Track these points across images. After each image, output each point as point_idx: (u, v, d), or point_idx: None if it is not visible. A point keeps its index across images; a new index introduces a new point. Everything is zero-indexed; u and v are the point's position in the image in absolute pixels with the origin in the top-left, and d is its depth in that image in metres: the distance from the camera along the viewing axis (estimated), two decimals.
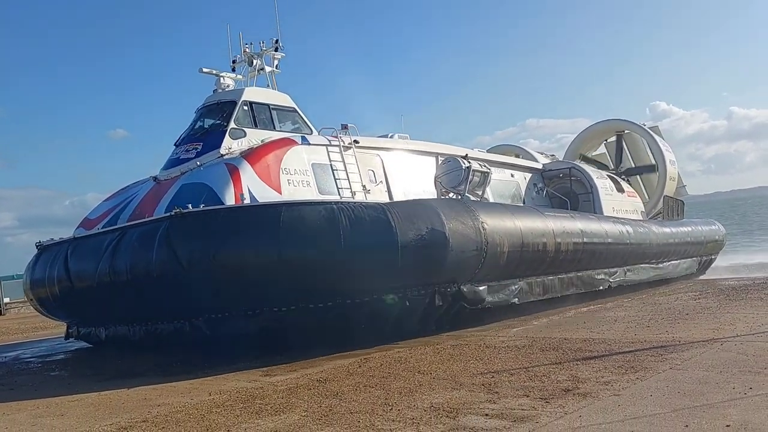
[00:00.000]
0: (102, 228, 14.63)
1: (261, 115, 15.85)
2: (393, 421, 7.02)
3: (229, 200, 12.93)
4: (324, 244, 11.57)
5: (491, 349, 11.09)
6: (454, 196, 16.17)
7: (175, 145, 15.92)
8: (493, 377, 8.83)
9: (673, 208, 25.94)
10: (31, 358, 15.69)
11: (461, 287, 13.60)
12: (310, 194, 14.15)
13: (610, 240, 18.80)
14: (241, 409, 8.17)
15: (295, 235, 11.45)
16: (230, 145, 14.88)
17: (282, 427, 7.13)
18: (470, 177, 16.56)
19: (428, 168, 17.70)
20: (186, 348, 12.94)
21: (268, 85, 17.82)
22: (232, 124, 15.23)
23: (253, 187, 13.39)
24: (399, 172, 16.97)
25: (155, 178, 15.32)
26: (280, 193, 13.76)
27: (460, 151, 18.62)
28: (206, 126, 15.71)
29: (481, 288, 14.05)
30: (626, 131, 26.70)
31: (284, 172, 14.15)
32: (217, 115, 15.71)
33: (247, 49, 17.95)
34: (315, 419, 7.35)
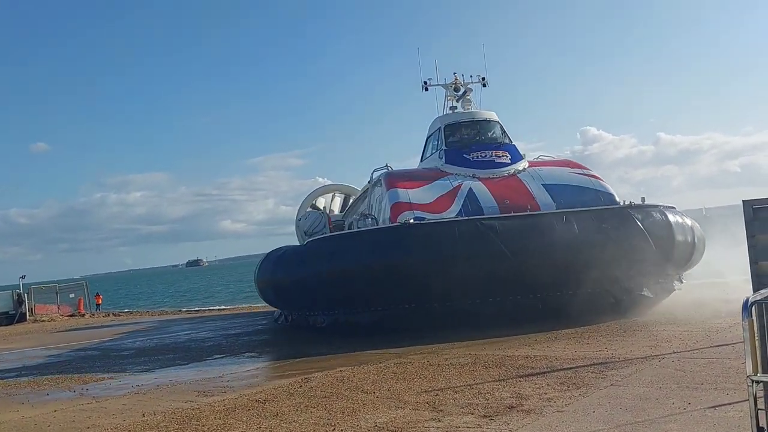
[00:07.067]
0: (457, 214, 16.55)
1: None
2: None
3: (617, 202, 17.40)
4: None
5: (435, 366, 11.00)
6: None
7: (461, 148, 18.90)
8: (437, 395, 8.72)
9: None
10: None
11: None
12: None
13: None
14: (177, 430, 7.81)
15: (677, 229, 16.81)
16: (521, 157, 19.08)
17: None
18: None
19: None
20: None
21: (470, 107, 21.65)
22: (507, 140, 19.39)
23: None
24: None
25: (473, 175, 17.99)
26: None
27: None
28: (481, 139, 19.29)
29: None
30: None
31: None
32: (486, 130, 19.65)
33: (457, 78, 22.04)
34: None
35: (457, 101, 21.79)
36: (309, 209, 30.04)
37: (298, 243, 30.73)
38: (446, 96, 22.09)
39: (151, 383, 11.86)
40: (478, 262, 15.09)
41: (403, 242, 15.48)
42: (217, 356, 15.48)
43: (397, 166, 20.22)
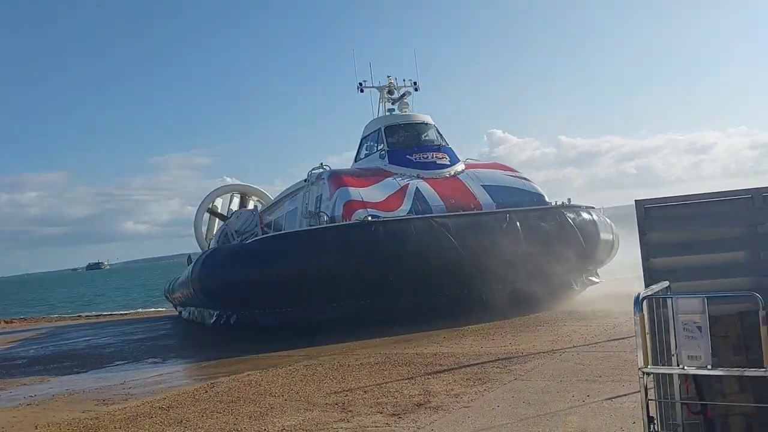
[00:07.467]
0: (408, 212, 17.00)
1: None
2: None
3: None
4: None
5: (345, 367, 10.98)
6: None
7: (402, 149, 19.32)
8: (346, 395, 8.70)
9: None
10: None
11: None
12: None
13: None
14: None
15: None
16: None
17: None
18: None
19: None
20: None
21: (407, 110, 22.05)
22: (444, 142, 20.02)
23: None
24: None
25: (418, 175, 18.47)
26: None
27: None
28: (421, 141, 19.85)
29: None
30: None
31: None
32: (425, 133, 20.20)
33: (392, 81, 22.33)
34: None
35: (394, 104, 22.18)
36: (237, 210, 29.34)
37: (199, 245, 30.19)
38: (381, 98, 22.46)
39: (45, 393, 11.25)
40: (437, 258, 15.79)
41: (371, 238, 15.76)
42: (118, 362, 14.89)
43: (309, 166, 20.07)
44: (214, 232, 28.85)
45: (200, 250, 30.36)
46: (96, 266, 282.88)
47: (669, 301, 4.16)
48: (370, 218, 16.28)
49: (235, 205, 31.12)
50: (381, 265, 15.58)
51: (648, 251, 5.01)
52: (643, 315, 4.04)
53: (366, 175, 18.70)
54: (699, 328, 3.99)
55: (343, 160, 23.26)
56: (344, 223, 16.72)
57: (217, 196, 30.99)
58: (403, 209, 17.17)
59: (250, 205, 30.29)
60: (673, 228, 4.98)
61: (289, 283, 15.69)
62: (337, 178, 18.57)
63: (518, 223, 16.88)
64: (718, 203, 4.86)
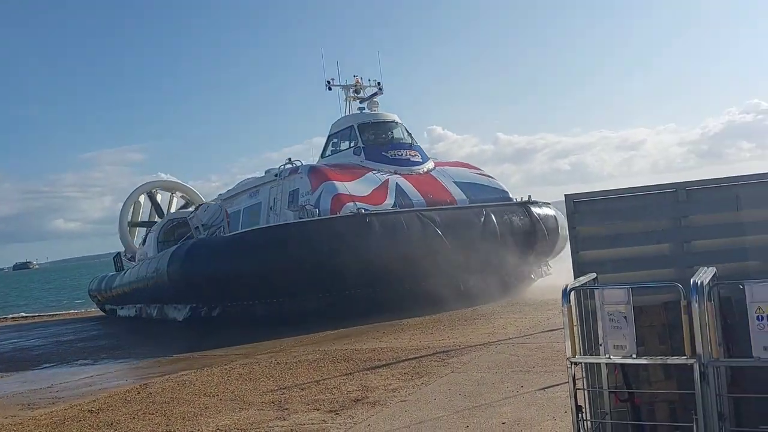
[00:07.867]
0: (392, 206, 17.51)
1: None
2: None
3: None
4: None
5: (282, 365, 10.86)
6: None
7: (377, 146, 19.78)
8: (283, 393, 8.60)
9: None
10: None
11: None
12: None
13: None
14: None
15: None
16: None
17: None
18: None
19: None
20: None
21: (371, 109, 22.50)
22: (413, 141, 20.63)
23: None
24: None
25: (395, 172, 18.93)
26: None
27: None
28: (393, 138, 20.35)
29: None
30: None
31: None
32: (396, 131, 20.68)
33: (359, 80, 22.71)
34: None
35: (362, 103, 22.58)
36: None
37: (123, 242, 29.47)
38: (347, 97, 22.82)
39: None
40: (428, 249, 16.45)
41: (371, 230, 16.17)
42: (46, 365, 14.36)
43: (250, 163, 20.11)
44: (150, 229, 28.03)
45: (123, 248, 29.85)
46: (24, 266, 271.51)
47: (596, 292, 4.25)
48: (363, 211, 16.58)
49: (159, 201, 30.57)
50: (384, 254, 16.06)
51: (577, 244, 5.11)
52: (571, 306, 4.12)
53: (348, 170, 19.00)
54: (624, 318, 4.10)
55: (284, 155, 22.92)
56: (339, 215, 16.88)
57: (143, 192, 30.34)
58: (388, 203, 17.75)
59: (175, 202, 29.92)
60: (600, 221, 5.09)
61: (294, 274, 15.94)
62: (319, 172, 18.83)
63: (494, 217, 17.76)
64: (644, 197, 4.98)
